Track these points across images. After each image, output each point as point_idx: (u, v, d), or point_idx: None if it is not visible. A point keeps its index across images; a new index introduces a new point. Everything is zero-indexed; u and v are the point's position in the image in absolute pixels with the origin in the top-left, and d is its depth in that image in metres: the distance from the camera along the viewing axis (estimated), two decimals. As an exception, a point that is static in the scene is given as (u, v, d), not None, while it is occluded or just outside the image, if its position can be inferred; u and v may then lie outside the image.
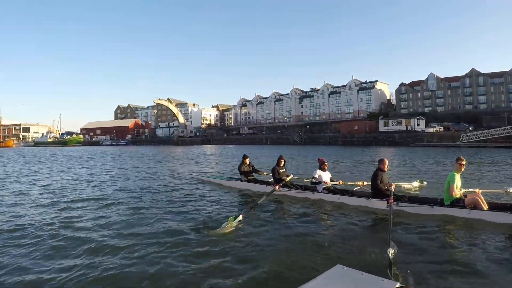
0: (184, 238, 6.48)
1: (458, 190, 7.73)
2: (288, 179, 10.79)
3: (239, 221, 7.32)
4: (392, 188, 8.13)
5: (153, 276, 4.81)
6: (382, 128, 68.62)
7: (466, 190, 8.14)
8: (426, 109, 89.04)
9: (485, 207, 7.44)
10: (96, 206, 9.58)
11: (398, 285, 2.44)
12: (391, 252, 4.85)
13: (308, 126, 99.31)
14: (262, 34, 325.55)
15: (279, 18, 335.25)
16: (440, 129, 61.67)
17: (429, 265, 5.03)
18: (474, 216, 7.25)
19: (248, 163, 12.36)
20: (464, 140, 50.44)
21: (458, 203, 7.66)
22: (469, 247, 5.91)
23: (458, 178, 7.77)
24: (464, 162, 7.84)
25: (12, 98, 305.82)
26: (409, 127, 64.76)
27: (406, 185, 11.53)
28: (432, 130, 61.09)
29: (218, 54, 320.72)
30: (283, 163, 11.26)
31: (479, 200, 7.50)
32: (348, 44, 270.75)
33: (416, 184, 11.80)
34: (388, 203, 7.47)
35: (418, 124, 64.82)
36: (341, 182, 10.42)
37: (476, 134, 50.89)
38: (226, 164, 25.63)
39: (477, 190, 8.03)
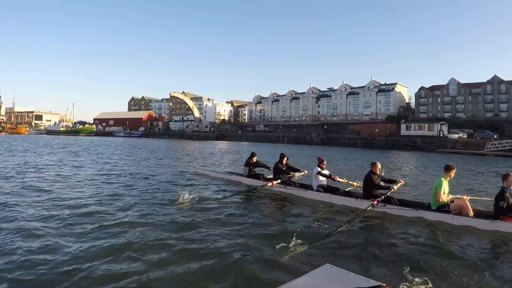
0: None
1: (445, 196, 8.05)
2: (297, 175, 11.54)
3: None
4: (391, 190, 8.88)
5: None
6: (403, 132, 67.91)
7: (454, 196, 8.41)
8: (446, 115, 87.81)
9: (471, 213, 7.74)
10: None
11: (383, 285, 2.44)
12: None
13: (325, 126, 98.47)
14: (279, 30, 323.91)
15: (296, 13, 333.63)
16: (464, 136, 60.74)
17: (408, 266, 5.20)
18: (457, 222, 7.59)
19: (255, 160, 13.07)
20: (489, 148, 49.51)
21: (444, 208, 7.99)
22: (447, 250, 6.21)
23: (445, 184, 8.11)
24: (455, 171, 8.23)
25: (27, 86, 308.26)
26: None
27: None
28: (455, 136, 60.19)
29: (234, 48, 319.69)
30: (285, 160, 11.83)
31: (465, 206, 7.80)
32: (367, 45, 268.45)
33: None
34: (372, 204, 8.21)
35: (441, 130, 63.83)
36: (337, 178, 10.70)
37: (502, 143, 49.89)
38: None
39: (465, 197, 8.29)
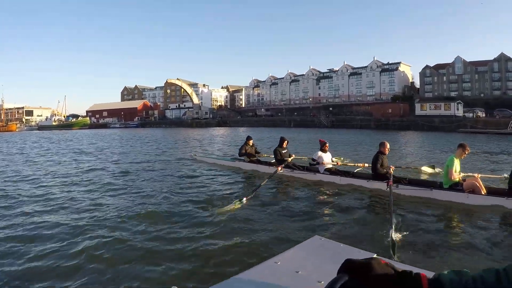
0: (184, 215, 7.00)
1: (457, 174, 8.01)
2: (290, 159, 11.33)
3: (242, 202, 7.75)
4: (391, 171, 8.76)
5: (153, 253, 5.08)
6: (418, 111, 65.85)
7: (465, 174, 8.48)
8: (452, 93, 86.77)
9: (483, 191, 7.69)
10: (94, 190, 9.80)
11: (374, 256, 2.20)
12: (392, 233, 5.17)
13: (331, 108, 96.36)
14: (273, 12, 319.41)
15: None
16: (482, 115, 59.16)
17: (425, 245, 5.26)
18: (472, 200, 7.54)
19: (251, 144, 12.99)
20: (514, 127, 47.83)
21: (456, 186, 7.94)
22: (465, 229, 6.21)
23: (457, 163, 8.03)
24: (468, 150, 8.10)
25: (15, 81, 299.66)
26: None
27: (421, 168, 12.07)
28: (473, 115, 58.63)
29: (226, 32, 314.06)
30: (285, 144, 11.80)
31: (478, 184, 7.74)
32: (366, 25, 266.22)
33: (427, 169, 11.95)
34: (387, 185, 8.07)
35: (457, 109, 62.12)
36: (339, 163, 10.92)
37: (526, 121, 48.26)
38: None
39: (476, 175, 8.43)
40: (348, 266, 1.00)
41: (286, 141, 11.83)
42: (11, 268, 4.70)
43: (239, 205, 7.53)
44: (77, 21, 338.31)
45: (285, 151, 11.62)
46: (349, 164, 10.96)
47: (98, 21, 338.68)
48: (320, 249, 2.52)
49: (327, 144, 10.74)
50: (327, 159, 10.62)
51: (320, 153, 10.56)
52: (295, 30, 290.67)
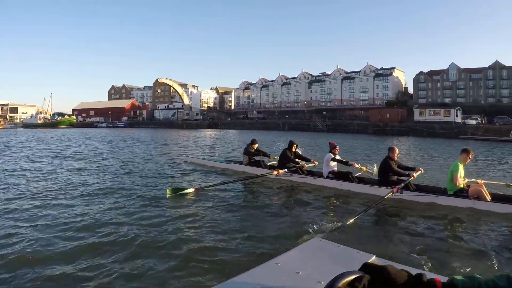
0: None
1: (462, 180, 7.86)
2: (306, 166, 11.02)
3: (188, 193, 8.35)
4: (411, 178, 8.45)
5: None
6: (417, 117, 65.28)
7: (469, 180, 8.35)
8: (446, 100, 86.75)
9: (488, 198, 7.64)
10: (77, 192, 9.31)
11: (373, 257, 2.41)
12: (349, 221, 6.00)
13: (324, 112, 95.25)
14: (265, 13, 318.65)
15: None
16: (484, 122, 58.67)
17: (434, 251, 5.25)
18: (478, 207, 7.48)
19: (255, 148, 12.59)
20: (516, 134, 47.28)
21: (461, 193, 7.85)
22: (474, 235, 6.12)
23: (461, 168, 7.88)
24: (472, 155, 7.95)
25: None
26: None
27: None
28: (474, 122, 58.11)
29: (216, 33, 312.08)
30: (294, 148, 11.41)
31: (482, 191, 7.69)
32: (359, 29, 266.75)
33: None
34: (391, 191, 7.84)
35: (456, 116, 61.58)
36: (355, 164, 10.05)
37: (529, 129, 47.85)
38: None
39: (479, 181, 8.24)
40: (367, 269, 1.20)
41: (295, 145, 11.44)
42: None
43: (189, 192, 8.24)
44: (65, 18, 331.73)
45: (292, 156, 11.28)
46: (358, 167, 10.24)
47: (87, 19, 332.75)
48: (320, 250, 2.55)
49: (337, 148, 10.57)
50: (335, 163, 10.43)
51: (332, 155, 10.28)
52: (287, 32, 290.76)
